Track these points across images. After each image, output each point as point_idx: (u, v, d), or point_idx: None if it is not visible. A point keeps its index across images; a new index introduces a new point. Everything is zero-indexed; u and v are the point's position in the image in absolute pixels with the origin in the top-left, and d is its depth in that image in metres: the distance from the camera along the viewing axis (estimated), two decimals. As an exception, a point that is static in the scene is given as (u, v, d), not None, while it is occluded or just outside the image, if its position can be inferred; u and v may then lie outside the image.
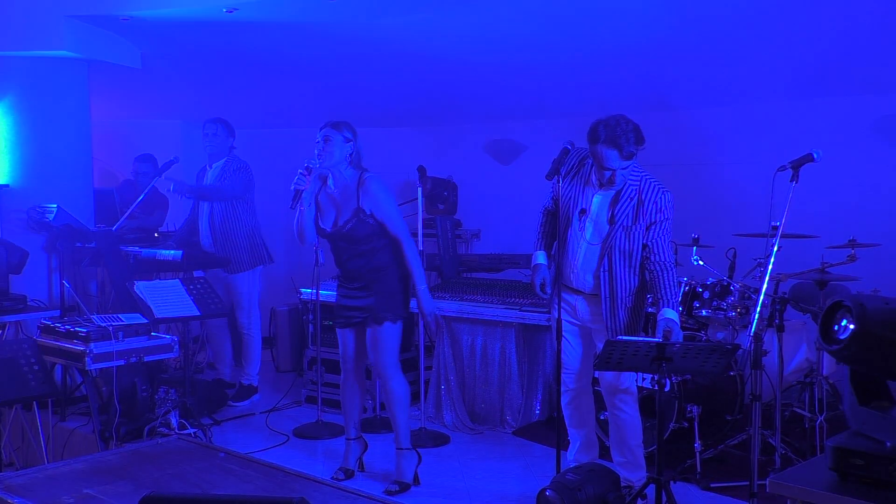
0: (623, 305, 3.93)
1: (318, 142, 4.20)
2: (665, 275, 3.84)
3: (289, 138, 7.86)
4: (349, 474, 4.47)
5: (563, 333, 4.08)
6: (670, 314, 3.78)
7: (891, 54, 5.09)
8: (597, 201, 3.93)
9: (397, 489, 4.30)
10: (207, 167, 5.91)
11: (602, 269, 3.92)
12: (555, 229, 4.06)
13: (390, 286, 4.27)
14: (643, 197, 3.85)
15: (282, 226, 7.70)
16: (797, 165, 3.60)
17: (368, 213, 4.18)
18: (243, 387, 5.96)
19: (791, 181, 3.56)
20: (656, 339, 3.56)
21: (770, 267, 3.59)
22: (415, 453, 4.41)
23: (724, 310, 4.63)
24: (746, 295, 4.58)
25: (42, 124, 5.61)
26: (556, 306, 4.06)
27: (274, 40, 5.78)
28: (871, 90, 5.57)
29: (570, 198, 3.98)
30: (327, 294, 5.66)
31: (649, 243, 3.88)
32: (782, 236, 3.60)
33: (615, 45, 5.55)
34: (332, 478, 4.36)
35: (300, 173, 4.09)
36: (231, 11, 5.09)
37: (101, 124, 6.40)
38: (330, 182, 4.24)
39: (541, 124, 6.94)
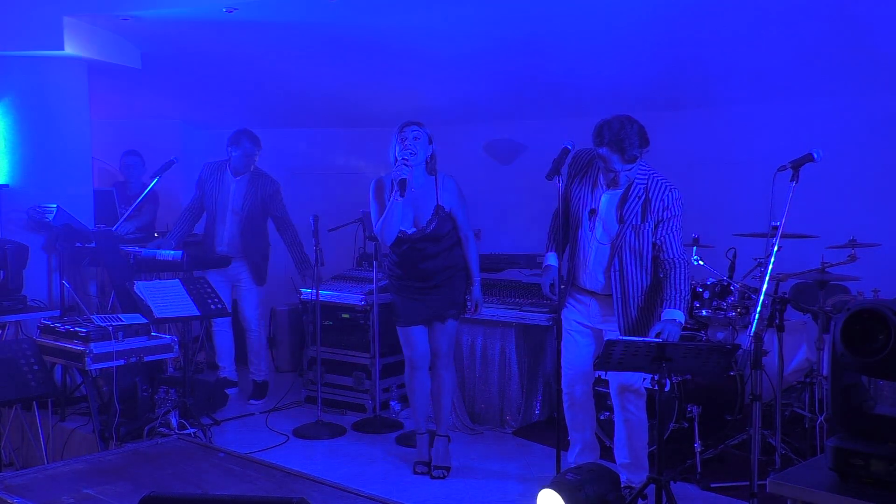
0: (635, 305, 3.93)
1: (407, 139, 4.27)
2: (673, 273, 3.83)
3: (288, 138, 7.86)
4: (430, 466, 4.62)
5: (573, 335, 4.08)
6: (673, 315, 3.76)
7: (891, 54, 5.09)
8: (605, 201, 3.93)
9: (445, 474, 4.53)
10: (230, 174, 5.91)
11: (613, 269, 3.92)
12: (565, 231, 4.07)
13: (459, 285, 4.47)
14: (650, 195, 3.85)
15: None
16: (797, 165, 3.60)
17: (448, 209, 4.37)
18: (257, 384, 6.01)
19: (791, 181, 3.56)
20: (656, 340, 3.55)
21: (770, 267, 3.59)
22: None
23: (725, 310, 4.63)
24: (746, 295, 4.58)
25: (42, 124, 5.61)
26: (563, 307, 4.08)
27: (274, 40, 5.78)
28: (870, 90, 5.57)
29: (580, 198, 3.98)
30: (327, 294, 5.68)
31: (658, 241, 3.88)
32: (782, 236, 3.60)
33: (616, 46, 5.55)
34: (413, 472, 4.61)
35: (402, 163, 4.17)
36: (231, 11, 5.09)
37: (101, 124, 6.39)
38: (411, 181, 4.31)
39: (541, 124, 6.94)
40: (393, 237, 4.35)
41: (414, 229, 4.36)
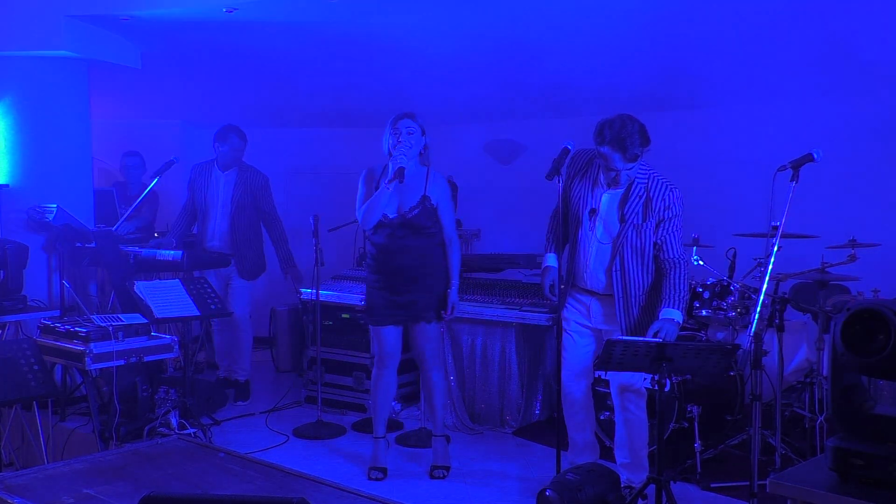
0: (637, 304, 3.94)
1: (402, 134, 4.30)
2: (673, 272, 3.85)
3: (288, 138, 7.86)
4: (386, 473, 4.55)
5: (573, 335, 4.08)
6: (671, 314, 3.78)
7: (891, 54, 5.09)
8: (605, 200, 3.94)
9: (445, 474, 4.51)
10: (218, 170, 5.93)
11: (614, 269, 3.93)
12: (565, 231, 4.07)
13: (438, 287, 4.42)
14: (651, 194, 3.87)
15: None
16: (797, 165, 3.61)
17: (434, 203, 4.35)
18: (241, 384, 5.99)
19: (791, 181, 3.57)
20: (656, 340, 3.56)
21: (770, 267, 3.59)
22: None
23: (724, 310, 4.63)
24: (746, 295, 4.58)
25: (42, 124, 5.61)
26: (564, 307, 4.08)
27: (274, 40, 5.78)
28: (871, 90, 5.57)
29: (580, 198, 3.99)
30: (327, 294, 5.67)
31: (659, 241, 3.89)
32: (782, 236, 3.60)
33: (616, 46, 5.55)
34: (368, 478, 4.49)
35: (401, 154, 4.23)
36: (231, 11, 5.09)
37: (101, 124, 6.39)
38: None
39: (541, 124, 6.94)
40: (374, 221, 4.33)
41: (396, 214, 4.34)
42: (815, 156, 3.59)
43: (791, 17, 4.91)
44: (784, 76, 5.62)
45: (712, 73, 5.71)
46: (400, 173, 4.19)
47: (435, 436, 4.60)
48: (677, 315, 3.79)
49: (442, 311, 4.44)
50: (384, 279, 4.42)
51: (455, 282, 4.46)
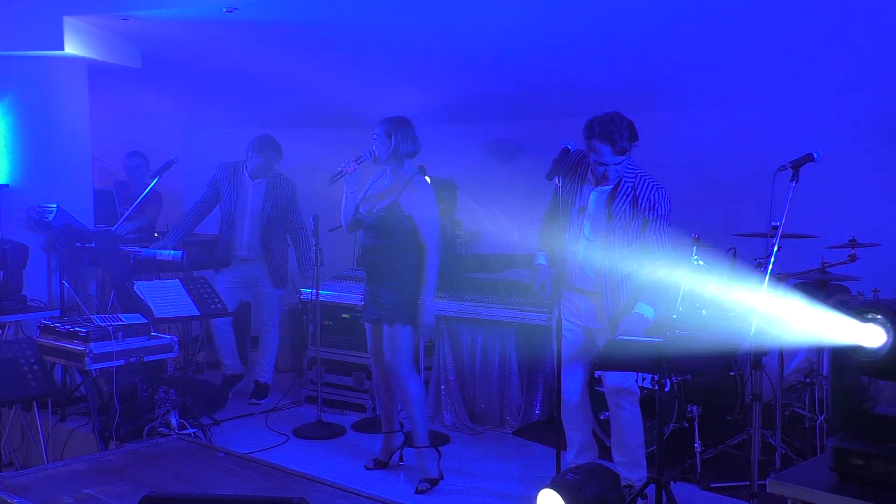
0: (624, 302, 3.94)
1: (376, 136, 4.39)
2: (656, 272, 3.87)
3: (288, 138, 7.84)
4: (381, 465, 4.61)
5: (565, 333, 4.08)
6: (641, 308, 3.83)
7: (891, 54, 5.09)
8: (593, 198, 3.96)
9: (428, 487, 4.35)
10: (247, 177, 5.91)
11: (602, 266, 3.94)
12: (557, 231, 4.09)
13: (408, 290, 4.33)
14: (638, 193, 3.90)
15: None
16: (797, 165, 3.61)
17: (406, 212, 4.28)
18: (259, 384, 6.00)
19: (791, 181, 3.57)
20: (657, 339, 3.56)
21: (770, 267, 3.59)
22: (433, 450, 4.46)
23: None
24: (746, 295, 4.58)
25: (42, 124, 5.61)
26: (557, 306, 4.08)
27: (274, 40, 5.78)
28: (870, 90, 5.57)
29: (569, 196, 4.00)
30: (327, 294, 5.68)
31: (646, 241, 3.90)
32: (782, 236, 3.60)
33: (616, 45, 5.55)
34: (364, 467, 4.56)
35: (349, 159, 4.34)
36: (231, 11, 5.09)
37: (101, 124, 6.39)
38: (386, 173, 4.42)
39: (541, 124, 6.94)
40: (344, 220, 4.54)
41: (364, 212, 4.43)
42: (815, 156, 3.59)
43: (791, 17, 4.91)
44: (784, 76, 5.62)
45: (713, 72, 5.72)
46: (335, 175, 4.40)
47: (416, 447, 4.44)
48: (648, 311, 3.84)
49: (422, 334, 4.47)
50: (367, 276, 4.50)
51: (426, 296, 4.29)
